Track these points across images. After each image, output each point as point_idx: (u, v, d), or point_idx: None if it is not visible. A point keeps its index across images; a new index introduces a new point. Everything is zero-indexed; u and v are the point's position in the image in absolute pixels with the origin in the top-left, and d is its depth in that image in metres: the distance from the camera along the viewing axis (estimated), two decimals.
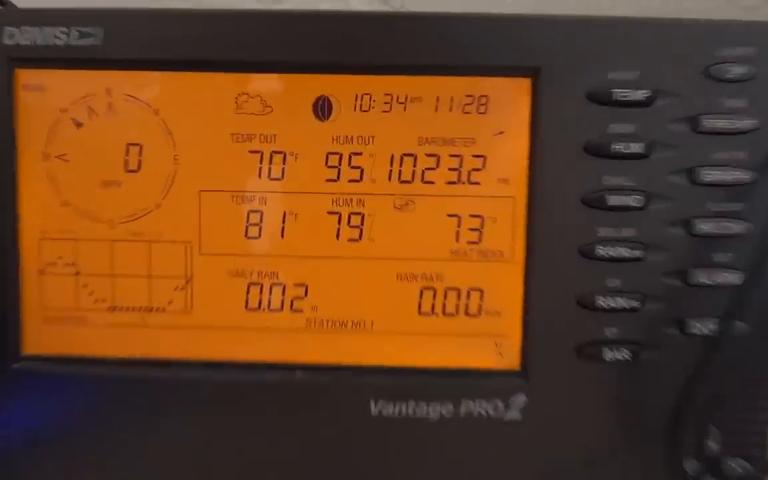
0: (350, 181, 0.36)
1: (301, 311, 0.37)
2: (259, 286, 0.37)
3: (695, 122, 0.34)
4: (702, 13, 0.40)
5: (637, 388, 0.36)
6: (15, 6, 0.38)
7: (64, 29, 0.35)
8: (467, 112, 0.35)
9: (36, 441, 0.37)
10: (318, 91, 0.36)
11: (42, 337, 0.37)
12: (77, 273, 0.37)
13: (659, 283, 0.35)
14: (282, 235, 0.36)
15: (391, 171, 0.36)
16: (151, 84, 0.36)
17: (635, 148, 0.34)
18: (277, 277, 0.37)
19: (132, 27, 0.35)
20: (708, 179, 0.34)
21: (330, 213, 0.36)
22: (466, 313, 0.37)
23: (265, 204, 0.36)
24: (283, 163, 0.36)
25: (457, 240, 0.36)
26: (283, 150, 0.36)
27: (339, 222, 0.36)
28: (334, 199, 0.36)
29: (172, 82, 0.36)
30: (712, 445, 0.36)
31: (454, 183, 0.36)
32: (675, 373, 0.35)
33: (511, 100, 0.35)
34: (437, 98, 0.35)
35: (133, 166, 0.36)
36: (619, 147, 0.34)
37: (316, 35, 0.35)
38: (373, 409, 0.36)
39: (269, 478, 0.37)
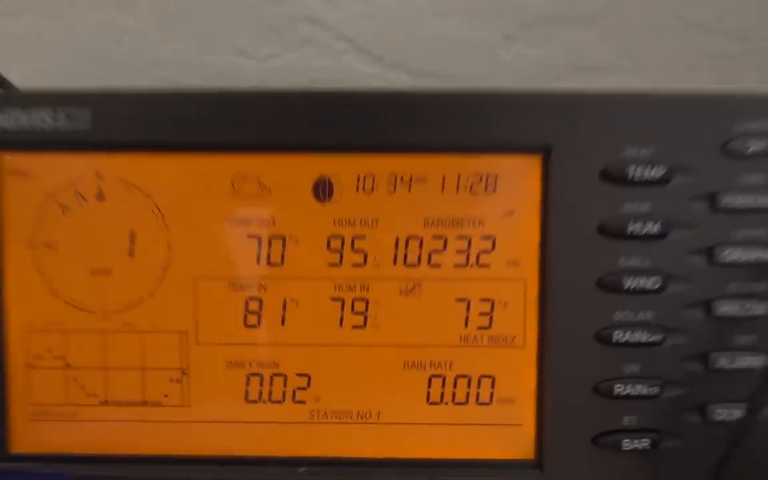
0: (354, 265, 0.35)
1: (303, 403, 0.36)
2: (259, 377, 0.36)
3: (714, 200, 0.33)
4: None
5: (658, 479, 0.35)
6: (15, 88, 0.36)
7: (51, 112, 0.33)
8: (475, 192, 0.34)
9: None
10: (318, 172, 0.34)
11: (30, 434, 0.36)
12: (67, 366, 0.35)
13: (679, 368, 0.34)
14: (283, 323, 0.35)
15: (396, 254, 0.35)
16: (143, 167, 0.35)
17: (651, 227, 0.33)
18: (278, 368, 0.36)
19: (121, 108, 0.34)
20: (728, 259, 0.33)
21: (333, 299, 0.35)
22: (478, 402, 0.36)
23: (265, 291, 0.35)
24: (283, 248, 0.35)
25: (466, 325, 0.35)
26: (283, 234, 0.35)
27: (342, 308, 0.35)
28: (337, 285, 0.35)
29: (164, 164, 0.34)
30: None
31: (462, 266, 0.35)
32: (697, 462, 0.34)
33: (520, 179, 0.34)
34: (443, 178, 0.34)
35: (125, 253, 0.35)
36: (634, 227, 0.33)
37: (314, 113, 0.34)
38: None
39: None
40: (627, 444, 0.34)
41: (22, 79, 0.59)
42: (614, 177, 0.33)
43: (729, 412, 0.34)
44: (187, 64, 0.84)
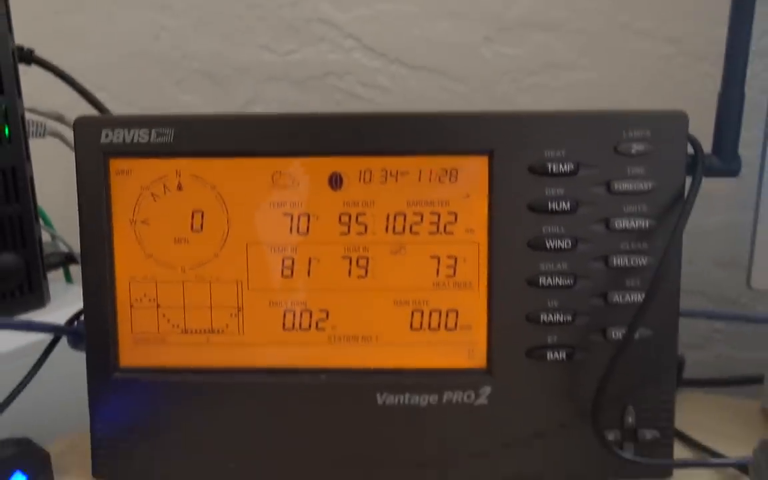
0: (358, 233, 0.46)
1: (324, 330, 0.47)
2: (293, 312, 0.47)
3: (608, 185, 0.45)
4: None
5: (572, 380, 0.47)
6: (111, 113, 0.50)
7: (146, 130, 0.46)
8: (442, 181, 0.46)
9: (131, 431, 0.49)
10: (332, 169, 0.46)
11: (133, 353, 0.48)
12: (158, 306, 0.48)
13: (586, 303, 0.46)
14: (308, 275, 0.47)
15: (387, 226, 0.46)
16: (210, 167, 0.46)
17: (565, 205, 0.45)
18: (306, 305, 0.47)
19: (194, 127, 0.46)
20: (619, 227, 0.46)
21: (343, 257, 0.46)
22: (446, 328, 0.47)
23: (296, 252, 0.46)
24: (308, 222, 0.46)
25: (437, 275, 0.46)
26: (308, 212, 0.46)
27: (350, 264, 0.46)
28: (346, 248, 0.46)
29: (225, 165, 0.46)
30: (629, 420, 0.47)
31: (434, 233, 0.46)
32: (599, 368, 0.45)
33: (474, 172, 0.46)
34: (420, 171, 0.46)
35: (197, 227, 0.47)
36: (553, 205, 0.45)
37: (329, 129, 0.46)
38: (379, 400, 0.47)
39: (302, 452, 0.48)
40: (550, 356, 0.46)
41: (75, 67, 0.72)
42: (538, 171, 0.45)
43: (620, 332, 0.46)
44: (217, 57, 0.98)
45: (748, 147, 0.54)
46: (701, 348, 0.74)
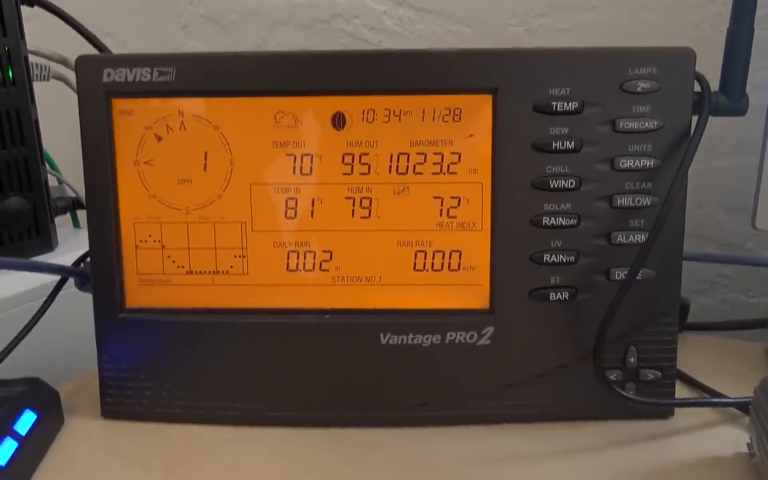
0: (361, 174, 0.46)
1: (327, 270, 0.47)
2: (296, 253, 0.47)
3: (614, 124, 0.45)
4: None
5: (575, 320, 0.47)
6: (111, 51, 0.49)
7: (148, 69, 0.46)
8: (446, 121, 0.45)
9: (138, 371, 0.49)
10: (335, 108, 0.46)
11: (139, 294, 0.49)
12: (163, 247, 0.48)
13: (589, 243, 0.46)
14: (312, 216, 0.47)
15: (390, 166, 0.46)
16: (212, 107, 0.46)
17: (570, 144, 0.45)
18: (309, 246, 0.47)
19: (196, 66, 0.46)
20: (624, 166, 0.45)
21: (347, 198, 0.46)
22: (449, 269, 0.47)
23: (299, 193, 0.47)
24: (311, 163, 0.46)
25: (441, 215, 0.46)
26: (311, 152, 0.46)
27: (353, 204, 0.46)
28: (350, 188, 0.46)
29: (227, 105, 0.46)
30: (631, 360, 0.48)
31: (437, 173, 0.46)
32: (602, 309, 0.45)
33: (477, 111, 0.45)
34: (423, 111, 0.45)
35: (200, 167, 0.47)
36: (557, 144, 0.45)
37: (333, 67, 0.46)
38: (382, 340, 0.47)
39: (306, 392, 0.48)
40: (553, 296, 0.46)
41: (79, 13, 0.71)
42: (543, 109, 0.44)
43: (623, 273, 0.46)
44: (223, 1, 0.97)
45: (760, 90, 0.53)
46: (707, 293, 0.74)
